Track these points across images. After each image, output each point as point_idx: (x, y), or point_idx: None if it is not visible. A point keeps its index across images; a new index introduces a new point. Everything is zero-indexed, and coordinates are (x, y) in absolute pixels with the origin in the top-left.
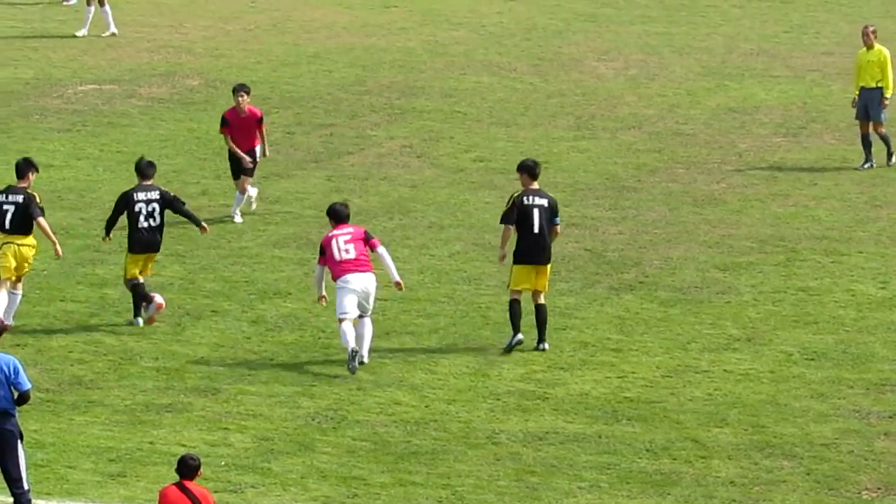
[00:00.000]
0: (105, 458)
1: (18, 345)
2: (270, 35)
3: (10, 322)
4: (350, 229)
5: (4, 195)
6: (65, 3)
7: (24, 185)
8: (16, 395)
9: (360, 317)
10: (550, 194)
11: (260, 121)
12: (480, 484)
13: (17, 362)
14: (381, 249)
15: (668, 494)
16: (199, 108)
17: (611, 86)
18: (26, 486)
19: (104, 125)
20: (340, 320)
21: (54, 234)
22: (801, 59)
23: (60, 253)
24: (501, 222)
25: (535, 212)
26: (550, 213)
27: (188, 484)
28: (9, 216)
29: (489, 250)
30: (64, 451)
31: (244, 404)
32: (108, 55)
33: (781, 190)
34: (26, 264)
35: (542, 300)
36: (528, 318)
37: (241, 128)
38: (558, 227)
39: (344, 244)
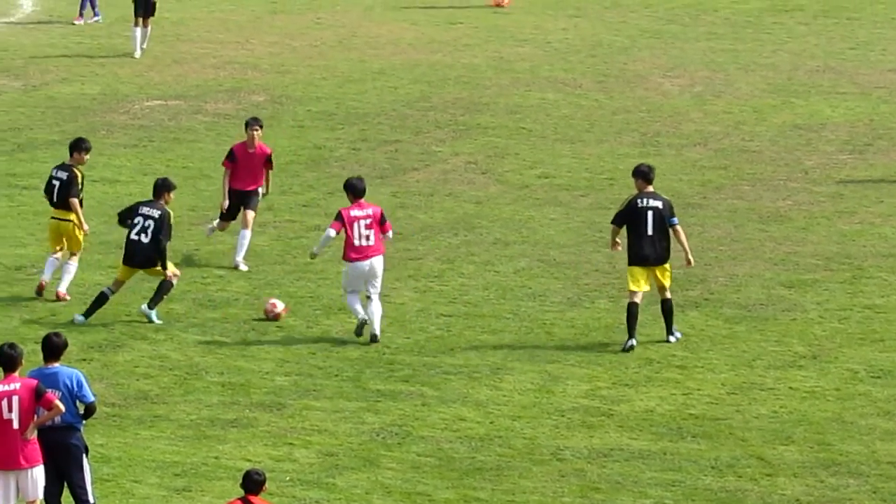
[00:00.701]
0: (170, 473)
1: (84, 359)
2: (336, 51)
3: (62, 290)
4: (370, 211)
5: (56, 170)
6: (76, 21)
7: (71, 163)
8: (81, 408)
9: (368, 298)
10: (666, 196)
11: (269, 159)
12: (545, 500)
13: (80, 375)
14: (389, 234)
15: None
16: (265, 124)
17: (676, 102)
18: (92, 501)
19: (170, 141)
20: (347, 292)
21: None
22: (867, 75)
23: (87, 230)
24: (611, 222)
25: (649, 214)
26: (667, 214)
27: (253, 499)
28: (56, 191)
29: (554, 267)
30: (129, 465)
31: (309, 419)
32: (174, 71)
33: (847, 207)
34: (76, 241)
35: (667, 295)
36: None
37: (247, 164)
38: (678, 227)
39: (365, 229)
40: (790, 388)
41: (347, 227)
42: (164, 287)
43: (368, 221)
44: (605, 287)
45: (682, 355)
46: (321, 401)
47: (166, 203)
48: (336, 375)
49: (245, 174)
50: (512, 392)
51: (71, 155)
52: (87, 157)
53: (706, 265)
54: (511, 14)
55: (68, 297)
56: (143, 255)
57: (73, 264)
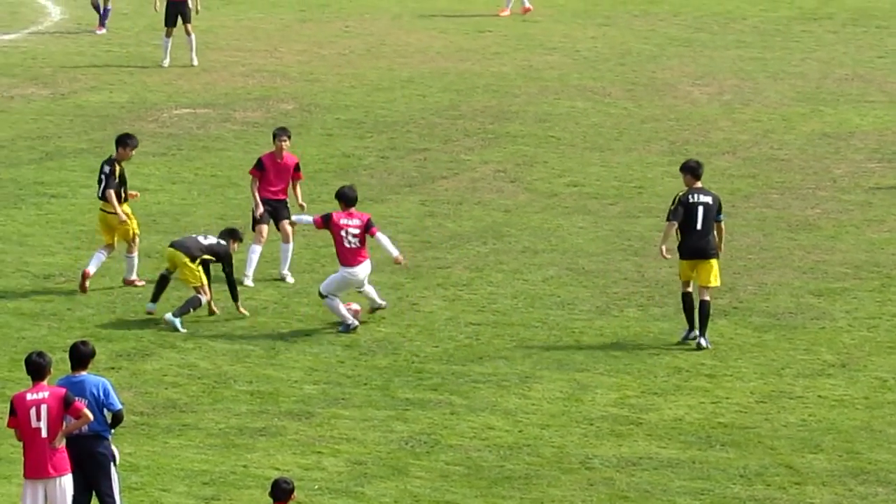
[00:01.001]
0: (199, 482)
1: (113, 368)
2: (365, 59)
3: (133, 277)
4: (357, 220)
5: (103, 164)
6: (98, 31)
7: (115, 157)
8: (109, 416)
9: (359, 290)
10: (714, 192)
11: (297, 168)
12: None
13: (107, 383)
14: (379, 235)
15: None
16: (294, 133)
17: (705, 111)
18: None
19: (199, 149)
20: (325, 296)
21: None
22: None
23: (123, 218)
24: (667, 220)
25: (700, 209)
26: (715, 210)
27: None
28: (101, 185)
29: (582, 275)
30: (158, 474)
31: (337, 428)
32: (203, 79)
33: (876, 215)
34: (131, 232)
35: (706, 297)
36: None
37: (276, 173)
38: (723, 225)
39: (353, 236)
40: (819, 396)
41: (335, 231)
42: (193, 301)
43: (357, 231)
44: (633, 296)
45: (711, 364)
46: (350, 409)
47: (232, 250)
48: (365, 384)
49: (275, 183)
50: (541, 401)
51: (116, 150)
52: (132, 152)
53: (735, 274)
54: (540, 22)
55: (141, 283)
56: (185, 243)
57: (133, 255)
